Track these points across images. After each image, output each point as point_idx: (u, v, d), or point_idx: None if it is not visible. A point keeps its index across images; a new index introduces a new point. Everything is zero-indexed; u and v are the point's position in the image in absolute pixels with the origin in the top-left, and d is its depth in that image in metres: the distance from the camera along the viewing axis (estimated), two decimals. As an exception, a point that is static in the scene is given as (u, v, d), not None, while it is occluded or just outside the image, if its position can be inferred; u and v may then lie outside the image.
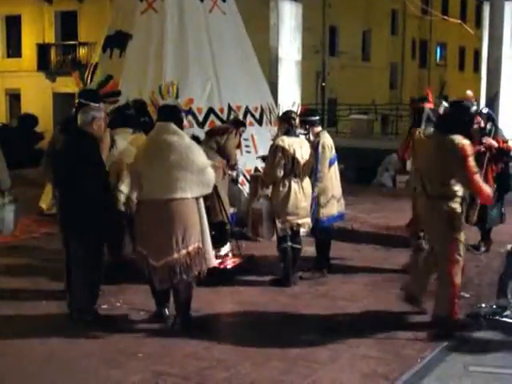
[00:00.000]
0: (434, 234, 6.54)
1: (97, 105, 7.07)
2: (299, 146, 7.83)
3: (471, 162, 6.21)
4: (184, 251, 6.33)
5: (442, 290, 6.46)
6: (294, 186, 7.81)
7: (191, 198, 6.40)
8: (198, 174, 6.41)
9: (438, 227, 6.40)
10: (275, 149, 7.82)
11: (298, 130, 8.02)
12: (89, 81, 8.31)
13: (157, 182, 6.36)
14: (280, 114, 11.86)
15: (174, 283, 6.40)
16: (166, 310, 6.73)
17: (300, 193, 7.85)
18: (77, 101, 7.64)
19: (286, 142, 7.80)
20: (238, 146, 10.09)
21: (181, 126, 6.66)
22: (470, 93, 9.99)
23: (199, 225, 6.49)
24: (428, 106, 8.24)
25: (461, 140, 6.21)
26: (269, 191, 8.10)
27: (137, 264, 6.67)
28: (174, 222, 6.31)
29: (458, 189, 6.37)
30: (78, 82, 8.45)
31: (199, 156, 6.51)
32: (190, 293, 6.59)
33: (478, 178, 6.30)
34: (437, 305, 6.52)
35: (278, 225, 7.83)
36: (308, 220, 8.01)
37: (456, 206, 6.35)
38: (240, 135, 10.07)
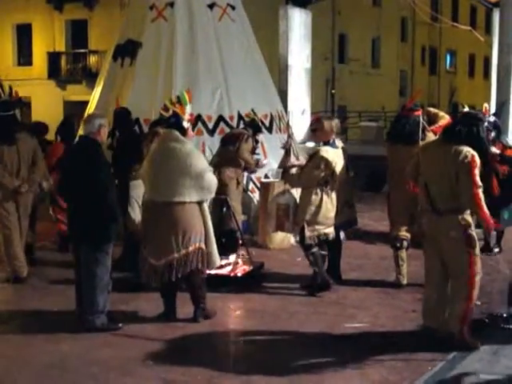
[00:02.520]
0: (450, 250, 6.26)
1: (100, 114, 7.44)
2: (339, 158, 7.82)
3: (477, 174, 6.11)
4: (184, 251, 6.70)
5: (456, 307, 6.28)
6: (326, 196, 7.79)
7: (190, 202, 6.72)
8: (196, 179, 6.72)
9: (455, 243, 6.20)
10: (320, 159, 7.67)
11: (337, 141, 7.97)
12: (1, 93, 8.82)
13: (158, 186, 6.75)
14: (289, 121, 11.94)
15: (166, 280, 6.76)
16: (172, 313, 6.95)
17: (330, 203, 7.82)
18: None
19: (330, 154, 7.70)
20: (253, 151, 10.09)
21: (183, 134, 6.94)
22: (486, 106, 10.02)
23: (201, 227, 6.82)
24: (418, 113, 8.20)
25: (470, 150, 6.13)
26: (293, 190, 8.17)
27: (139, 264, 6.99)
28: (173, 224, 6.68)
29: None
30: None
31: (198, 161, 6.84)
32: (203, 288, 6.97)
33: (481, 194, 6.06)
34: (448, 322, 6.33)
35: (307, 233, 7.77)
36: (333, 229, 7.99)
37: (469, 218, 6.20)
38: (257, 141, 10.10)
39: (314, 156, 7.78)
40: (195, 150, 7.04)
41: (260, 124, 10.77)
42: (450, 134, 6.37)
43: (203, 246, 6.82)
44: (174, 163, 6.71)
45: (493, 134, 9.61)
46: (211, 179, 6.91)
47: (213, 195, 7.22)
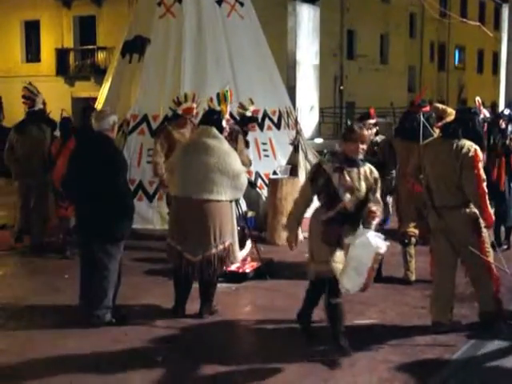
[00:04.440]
0: (462, 242, 6.38)
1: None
2: None
3: (481, 168, 6.22)
4: (221, 247, 6.76)
5: (484, 288, 6.48)
6: None
7: (225, 200, 6.78)
8: (233, 179, 6.78)
9: (466, 235, 6.35)
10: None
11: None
12: None
13: (194, 183, 6.71)
14: (298, 117, 11.92)
15: (207, 276, 6.79)
16: (182, 309, 6.95)
17: None
18: None
19: None
20: (246, 145, 10.05)
21: (221, 131, 6.99)
22: (478, 99, 10.01)
23: (232, 225, 6.91)
24: (425, 109, 8.19)
25: (472, 145, 6.25)
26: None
27: (168, 259, 6.98)
28: (210, 221, 6.69)
29: None
30: None
31: (236, 161, 6.90)
32: (215, 287, 7.05)
33: (485, 188, 6.23)
34: (484, 304, 6.53)
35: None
36: None
37: (474, 209, 6.34)
38: (246, 133, 9.98)
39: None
40: (232, 149, 7.05)
41: (249, 114, 10.48)
42: (448, 132, 6.50)
43: (232, 243, 6.92)
44: (213, 161, 6.71)
45: (510, 128, 9.60)
46: (245, 180, 7.04)
47: (242, 195, 7.38)
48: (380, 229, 7.73)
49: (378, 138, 8.33)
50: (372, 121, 8.34)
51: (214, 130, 6.88)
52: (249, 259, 8.63)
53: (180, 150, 7.11)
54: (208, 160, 6.70)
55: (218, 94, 8.72)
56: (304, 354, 5.95)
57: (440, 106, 9.08)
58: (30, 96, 10.20)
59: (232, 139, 9.42)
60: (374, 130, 8.27)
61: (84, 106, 10.03)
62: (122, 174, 6.64)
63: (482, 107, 9.93)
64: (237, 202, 8.76)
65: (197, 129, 7.51)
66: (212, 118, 7.08)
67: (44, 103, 10.38)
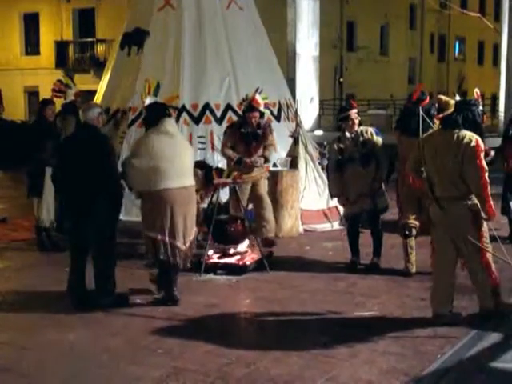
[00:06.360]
0: (462, 234, 6.37)
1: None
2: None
3: (483, 159, 6.22)
4: (197, 230, 7.17)
5: (482, 284, 6.48)
6: None
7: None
8: (192, 165, 7.19)
9: (465, 228, 6.33)
10: None
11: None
12: None
13: (175, 172, 6.84)
14: (297, 109, 11.88)
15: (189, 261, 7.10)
16: (176, 293, 7.05)
17: None
18: None
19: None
20: (266, 138, 9.94)
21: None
22: (477, 91, 10.02)
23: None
24: (426, 102, 8.20)
25: (474, 135, 6.25)
26: None
27: (149, 251, 7.04)
28: (191, 206, 6.99)
29: None
30: None
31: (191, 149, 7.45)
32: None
33: (487, 179, 6.22)
34: (482, 300, 6.54)
35: None
36: None
37: (476, 201, 6.33)
38: (250, 119, 9.84)
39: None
40: None
41: (250, 103, 10.20)
42: (447, 123, 6.51)
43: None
44: (184, 150, 7.06)
45: None
46: None
47: None
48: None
49: (363, 128, 8.42)
50: (356, 110, 8.47)
51: (174, 121, 7.32)
52: (249, 251, 8.62)
53: (145, 145, 6.92)
54: (181, 149, 6.99)
55: (144, 86, 8.77)
56: (304, 345, 5.96)
57: (443, 97, 9.06)
58: (60, 89, 10.40)
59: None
60: (357, 121, 8.37)
61: (42, 99, 10.05)
62: (111, 159, 6.95)
63: (480, 99, 9.93)
64: (237, 194, 8.80)
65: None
66: (167, 109, 7.25)
67: (77, 95, 10.67)
